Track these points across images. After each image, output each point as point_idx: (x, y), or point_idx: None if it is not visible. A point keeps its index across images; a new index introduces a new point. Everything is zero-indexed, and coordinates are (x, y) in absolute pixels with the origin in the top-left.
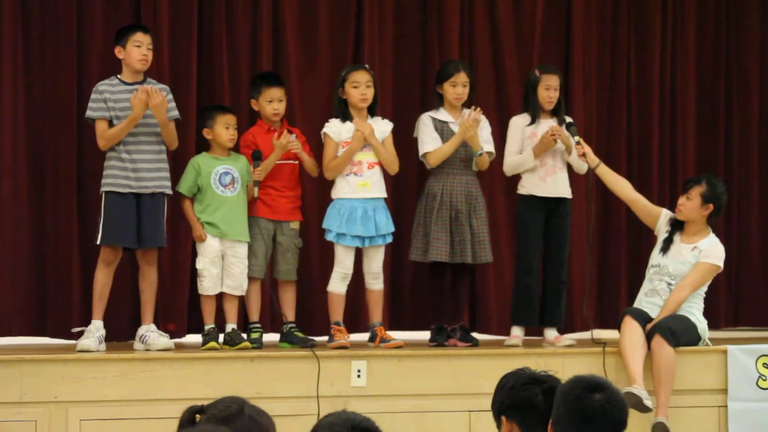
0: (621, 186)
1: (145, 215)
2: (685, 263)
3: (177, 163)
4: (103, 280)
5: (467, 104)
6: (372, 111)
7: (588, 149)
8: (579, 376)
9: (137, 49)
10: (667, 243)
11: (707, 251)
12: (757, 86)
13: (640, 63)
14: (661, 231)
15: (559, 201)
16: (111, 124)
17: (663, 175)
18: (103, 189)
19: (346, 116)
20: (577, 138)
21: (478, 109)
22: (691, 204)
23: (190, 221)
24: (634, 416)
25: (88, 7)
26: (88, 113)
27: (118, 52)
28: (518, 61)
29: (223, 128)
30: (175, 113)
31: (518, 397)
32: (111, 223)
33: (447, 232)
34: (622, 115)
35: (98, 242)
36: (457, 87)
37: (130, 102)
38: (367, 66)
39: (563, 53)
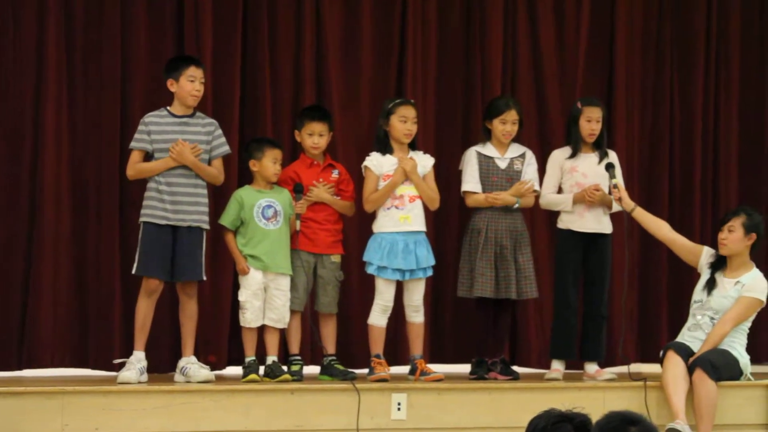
0: (659, 227)
1: (181, 248)
2: (728, 297)
3: (219, 195)
4: (144, 311)
5: (515, 139)
6: (413, 145)
7: (624, 193)
8: (614, 411)
9: (191, 84)
10: (711, 283)
11: (750, 285)
12: None
13: (683, 96)
14: (704, 269)
15: (599, 235)
16: (152, 156)
17: (705, 209)
18: (142, 219)
19: (386, 148)
20: (614, 181)
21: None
22: (734, 236)
23: (233, 254)
24: None
25: (132, 36)
26: (131, 143)
27: (170, 84)
28: (561, 94)
29: (271, 162)
30: (225, 149)
31: None
32: (146, 254)
33: (492, 268)
34: (665, 149)
35: (133, 272)
36: (507, 125)
37: (169, 150)
38: (413, 101)
39: (606, 86)
